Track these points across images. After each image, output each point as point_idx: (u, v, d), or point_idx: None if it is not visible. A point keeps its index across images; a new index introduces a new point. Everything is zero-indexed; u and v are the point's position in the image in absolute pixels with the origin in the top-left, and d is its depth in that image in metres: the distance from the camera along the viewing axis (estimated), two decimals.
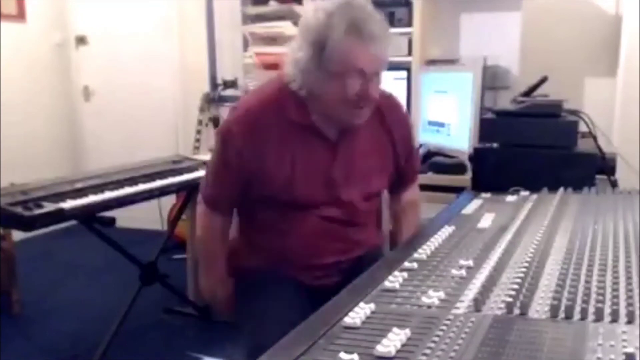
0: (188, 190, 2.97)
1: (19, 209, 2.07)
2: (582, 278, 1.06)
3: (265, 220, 1.65)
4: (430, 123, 2.99)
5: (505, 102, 2.78)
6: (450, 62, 3.48)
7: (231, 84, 4.02)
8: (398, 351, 0.83)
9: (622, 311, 0.92)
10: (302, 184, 1.56)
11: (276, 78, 1.61)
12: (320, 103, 1.53)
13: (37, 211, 2.08)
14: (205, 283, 1.77)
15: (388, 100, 1.69)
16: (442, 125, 2.91)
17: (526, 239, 1.33)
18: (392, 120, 1.67)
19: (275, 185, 1.55)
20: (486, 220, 1.50)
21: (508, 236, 1.36)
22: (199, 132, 4.02)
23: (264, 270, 1.65)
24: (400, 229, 1.82)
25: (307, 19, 1.49)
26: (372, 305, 0.99)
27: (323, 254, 1.63)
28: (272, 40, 3.93)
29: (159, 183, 2.61)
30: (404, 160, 1.73)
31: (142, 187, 2.53)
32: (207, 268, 1.76)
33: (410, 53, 3.45)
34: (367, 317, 0.96)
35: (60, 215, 2.17)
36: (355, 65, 1.43)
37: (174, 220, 3.22)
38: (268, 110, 1.55)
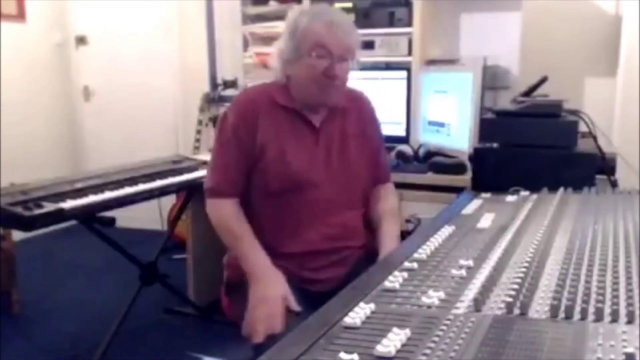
0: (188, 190, 2.97)
1: (19, 209, 2.07)
2: (582, 278, 1.06)
3: (263, 214, 1.74)
4: (430, 123, 2.99)
5: (505, 102, 2.78)
6: (450, 62, 3.48)
7: (231, 84, 4.03)
8: (398, 351, 0.83)
9: (622, 311, 0.92)
10: (292, 162, 1.69)
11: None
12: (297, 86, 1.73)
13: (37, 211, 2.08)
14: (245, 266, 1.68)
15: (362, 97, 1.90)
16: (442, 125, 2.91)
17: (526, 239, 1.33)
18: (366, 115, 1.88)
19: (270, 166, 1.69)
20: (486, 220, 1.50)
21: (508, 236, 1.36)
22: (199, 132, 4.02)
23: None
24: (380, 238, 1.77)
25: (288, 18, 1.76)
26: (372, 305, 0.99)
27: (317, 238, 1.70)
28: (272, 40, 3.88)
29: (159, 183, 2.61)
30: (375, 153, 1.88)
31: (142, 187, 2.53)
32: (237, 252, 1.71)
33: (410, 53, 3.45)
34: (367, 317, 0.96)
35: (60, 215, 2.17)
36: (320, 42, 1.64)
37: (174, 220, 3.22)
38: (259, 97, 1.77)
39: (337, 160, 1.76)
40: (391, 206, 1.88)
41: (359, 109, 1.86)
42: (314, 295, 1.62)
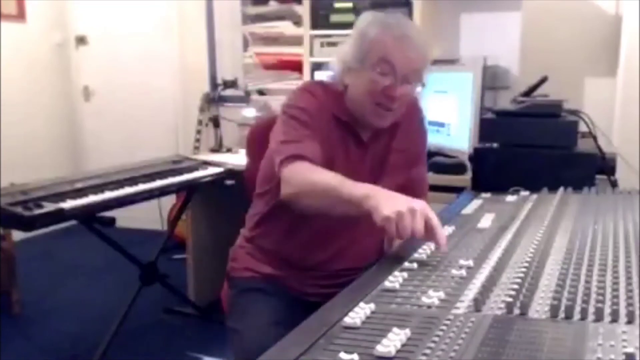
0: (188, 190, 2.97)
1: (19, 209, 2.07)
2: (582, 278, 1.06)
3: (282, 223, 1.64)
4: (430, 123, 2.98)
5: (505, 102, 2.77)
6: (450, 62, 3.47)
7: (231, 84, 4.03)
8: (398, 351, 0.83)
9: (622, 311, 0.92)
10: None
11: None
12: (352, 99, 1.59)
13: (37, 211, 2.08)
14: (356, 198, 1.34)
15: (414, 106, 1.75)
16: (442, 125, 2.91)
17: (526, 239, 1.33)
18: (414, 127, 1.74)
19: None
20: (486, 220, 1.50)
21: (508, 236, 1.36)
22: (199, 132, 4.02)
23: (260, 279, 1.66)
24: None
25: (357, 22, 1.61)
26: (372, 305, 0.99)
27: (327, 257, 1.64)
28: (272, 40, 3.93)
29: (159, 183, 2.61)
30: (412, 167, 1.73)
31: (142, 187, 2.53)
32: (338, 195, 1.37)
33: None
34: (367, 317, 0.96)
35: (60, 215, 2.17)
36: (386, 57, 1.50)
37: (174, 220, 3.22)
38: (322, 101, 1.60)
39: (377, 178, 1.62)
40: None
41: (409, 121, 1.71)
42: (309, 305, 1.61)
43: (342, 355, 0.82)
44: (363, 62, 1.53)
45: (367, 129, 1.63)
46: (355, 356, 0.82)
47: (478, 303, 0.98)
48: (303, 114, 1.56)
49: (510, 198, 1.74)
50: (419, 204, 1.24)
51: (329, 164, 1.54)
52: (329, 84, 1.65)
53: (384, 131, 1.66)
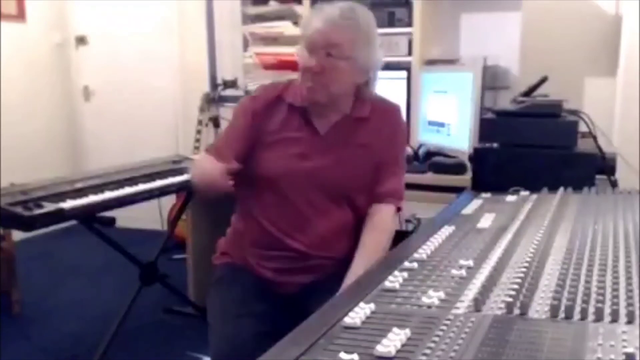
0: (188, 190, 2.97)
1: (19, 209, 2.07)
2: (582, 278, 1.06)
3: (251, 207, 1.72)
4: (430, 123, 2.99)
5: (505, 102, 2.78)
6: (450, 62, 3.48)
7: (231, 84, 4.02)
8: (398, 351, 0.83)
9: (622, 311, 0.92)
10: (285, 165, 1.65)
11: None
12: None
13: (37, 211, 2.08)
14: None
15: (390, 111, 1.77)
16: (442, 125, 2.91)
17: (526, 239, 1.33)
18: (386, 131, 1.74)
19: (265, 161, 1.66)
20: (486, 220, 1.50)
21: (508, 236, 1.36)
22: (199, 132, 4.02)
23: (231, 264, 1.76)
24: (358, 248, 1.66)
25: None
26: (372, 305, 0.99)
27: (286, 241, 1.67)
28: (272, 40, 3.93)
29: (159, 183, 2.61)
30: (380, 169, 1.72)
31: (142, 187, 2.53)
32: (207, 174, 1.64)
33: (410, 53, 3.45)
34: (367, 317, 0.96)
35: (60, 215, 2.17)
36: (310, 36, 1.58)
37: (174, 220, 3.22)
38: (275, 92, 1.72)
39: (332, 169, 1.66)
40: (376, 239, 1.66)
41: (381, 123, 1.72)
42: (277, 297, 1.66)
43: (342, 355, 0.82)
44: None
45: (325, 120, 1.68)
46: (355, 356, 0.82)
47: (478, 303, 0.98)
48: (236, 115, 1.75)
49: (510, 198, 1.74)
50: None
51: (278, 151, 1.65)
52: (291, 80, 1.75)
53: (346, 124, 1.69)
